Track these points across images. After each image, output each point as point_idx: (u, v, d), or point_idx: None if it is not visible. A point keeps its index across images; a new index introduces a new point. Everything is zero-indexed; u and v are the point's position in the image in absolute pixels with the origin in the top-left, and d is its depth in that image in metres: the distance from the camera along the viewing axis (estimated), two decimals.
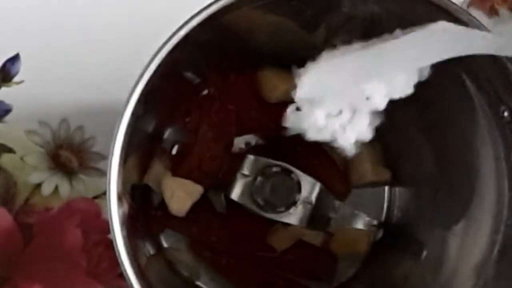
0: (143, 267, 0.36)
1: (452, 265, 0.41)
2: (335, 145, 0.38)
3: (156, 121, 0.44)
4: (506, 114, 0.37)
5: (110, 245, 0.35)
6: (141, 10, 0.50)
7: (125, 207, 0.36)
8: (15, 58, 0.49)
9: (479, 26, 0.36)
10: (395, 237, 0.46)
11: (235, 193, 0.44)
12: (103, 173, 0.49)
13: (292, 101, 0.46)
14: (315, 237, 0.47)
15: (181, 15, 0.35)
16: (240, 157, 0.45)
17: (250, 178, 0.44)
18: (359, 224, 0.47)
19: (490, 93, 0.38)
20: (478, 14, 0.51)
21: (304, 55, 0.45)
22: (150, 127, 0.44)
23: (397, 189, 0.47)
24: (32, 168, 0.48)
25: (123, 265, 0.34)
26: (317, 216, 0.45)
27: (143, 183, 0.44)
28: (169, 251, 0.46)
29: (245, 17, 0.38)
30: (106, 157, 0.48)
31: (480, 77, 0.38)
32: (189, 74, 0.44)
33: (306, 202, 0.44)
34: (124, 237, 0.34)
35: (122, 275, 0.34)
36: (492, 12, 0.51)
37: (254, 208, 0.44)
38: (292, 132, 0.42)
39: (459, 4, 0.36)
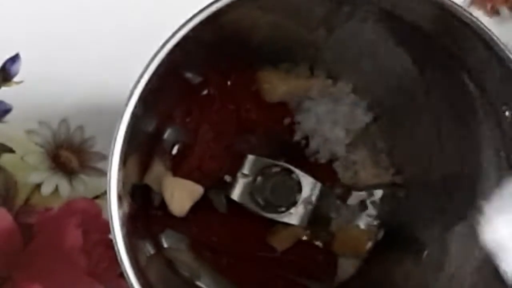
0: (143, 267, 0.36)
1: (452, 266, 0.41)
2: None
3: (156, 121, 0.44)
4: (506, 114, 0.37)
5: (110, 245, 0.35)
6: (141, 10, 0.50)
7: (125, 207, 0.36)
8: (15, 58, 0.49)
9: (480, 26, 0.36)
10: (395, 237, 0.46)
11: (236, 193, 0.44)
12: (103, 173, 0.49)
13: (291, 101, 0.47)
14: (315, 237, 0.47)
15: (181, 15, 0.34)
16: (240, 157, 0.45)
17: (250, 178, 0.44)
18: (360, 224, 0.47)
19: (491, 93, 0.38)
20: (479, 14, 0.51)
21: (304, 55, 0.46)
22: (150, 127, 0.44)
23: (398, 189, 0.47)
24: (32, 168, 0.48)
25: (123, 265, 0.34)
26: (317, 216, 0.45)
27: (143, 183, 0.44)
28: (169, 251, 0.46)
29: (245, 17, 0.38)
30: (106, 157, 0.48)
31: (481, 77, 0.38)
32: (189, 74, 0.44)
33: (307, 202, 0.44)
34: (124, 237, 0.34)
35: (122, 275, 0.34)
36: (493, 11, 0.51)
37: (254, 208, 0.44)
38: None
39: (460, 4, 0.36)
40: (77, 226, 0.48)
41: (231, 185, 0.45)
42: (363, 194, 0.47)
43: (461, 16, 0.36)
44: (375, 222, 0.47)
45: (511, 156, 0.38)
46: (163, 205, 0.44)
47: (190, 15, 0.35)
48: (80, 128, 0.49)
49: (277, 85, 0.45)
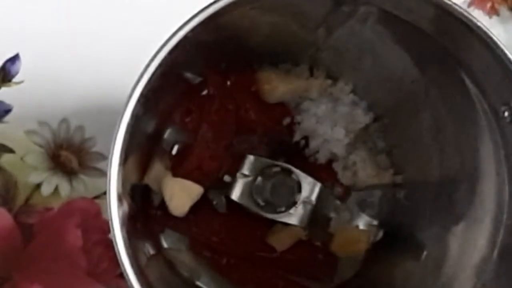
0: (143, 267, 0.36)
1: (452, 266, 0.41)
2: None
3: (156, 121, 0.44)
4: (506, 114, 0.37)
5: (110, 245, 0.35)
6: (141, 10, 0.50)
7: (125, 207, 0.36)
8: (15, 58, 0.49)
9: (479, 26, 0.36)
10: (395, 238, 0.46)
11: (235, 193, 0.44)
12: (103, 173, 0.49)
13: (291, 101, 0.47)
14: (315, 237, 0.47)
15: (181, 15, 0.34)
16: (240, 157, 0.45)
17: (250, 178, 0.44)
18: (360, 224, 0.47)
19: (490, 93, 0.38)
20: (478, 14, 0.51)
21: (304, 55, 0.46)
22: (150, 127, 0.44)
23: (398, 190, 0.47)
24: (32, 168, 0.48)
25: (123, 265, 0.34)
26: (317, 216, 0.45)
27: (143, 183, 0.44)
28: (169, 251, 0.46)
29: (244, 18, 0.38)
30: (106, 157, 0.48)
31: (481, 77, 0.38)
32: (189, 74, 0.44)
33: (306, 202, 0.44)
34: (124, 237, 0.34)
35: (122, 275, 0.34)
36: (493, 11, 0.51)
37: (254, 208, 0.44)
38: None
39: (460, 4, 0.36)
40: (77, 226, 0.48)
41: (230, 185, 0.45)
42: (362, 194, 0.47)
43: (461, 16, 0.36)
44: (375, 222, 0.47)
45: (510, 157, 0.38)
46: (163, 205, 0.44)
47: (190, 15, 0.34)
48: (80, 128, 0.49)
49: (276, 86, 0.45)
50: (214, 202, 0.45)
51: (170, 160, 0.45)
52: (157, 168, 0.44)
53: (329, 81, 0.47)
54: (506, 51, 0.35)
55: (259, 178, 0.45)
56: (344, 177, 0.47)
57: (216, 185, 0.45)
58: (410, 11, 0.37)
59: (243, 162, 0.45)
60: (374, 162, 0.47)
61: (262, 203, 0.44)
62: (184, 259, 0.46)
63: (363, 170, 0.46)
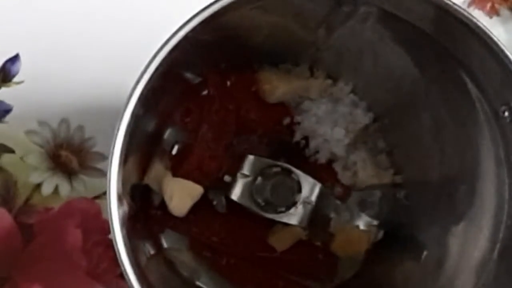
0: (143, 267, 0.36)
1: (452, 266, 0.41)
2: None
3: (156, 121, 0.44)
4: (506, 114, 0.37)
5: (110, 245, 0.35)
6: (141, 10, 0.50)
7: (125, 207, 0.36)
8: (15, 58, 0.49)
9: (479, 26, 0.36)
10: (395, 238, 0.46)
11: (235, 193, 0.44)
12: (103, 173, 0.49)
13: (291, 101, 0.47)
14: (315, 237, 0.47)
15: (181, 15, 0.34)
16: (240, 157, 0.45)
17: (250, 178, 0.44)
18: (360, 224, 0.47)
19: (490, 93, 0.38)
20: (478, 14, 0.51)
21: (304, 55, 0.46)
22: (150, 127, 0.44)
23: (398, 190, 0.47)
24: (32, 168, 0.48)
25: (123, 265, 0.34)
26: (317, 216, 0.45)
27: (143, 183, 0.44)
28: (169, 251, 0.46)
29: (244, 18, 0.38)
30: (106, 157, 0.48)
31: (481, 77, 0.38)
32: (189, 74, 0.44)
33: (306, 202, 0.44)
34: (124, 237, 0.34)
35: (122, 275, 0.34)
36: (493, 11, 0.51)
37: (254, 208, 0.44)
38: None
39: (460, 4, 0.36)
40: (77, 226, 0.48)
41: (231, 185, 0.45)
42: (362, 194, 0.47)
43: (461, 16, 0.36)
44: (375, 222, 0.47)
45: (510, 157, 0.38)
46: (163, 205, 0.44)
47: (190, 15, 0.34)
48: (80, 128, 0.49)
49: (277, 86, 0.45)
50: (214, 202, 0.45)
51: (170, 160, 0.45)
52: (157, 168, 0.44)
53: (329, 81, 0.47)
54: (506, 51, 0.35)
55: (259, 178, 0.45)
56: (344, 177, 0.47)
57: (216, 185, 0.45)
58: (410, 11, 0.37)
59: (243, 162, 0.45)
60: (374, 162, 0.47)
61: (262, 203, 0.44)
62: (184, 259, 0.46)
63: (363, 170, 0.46)
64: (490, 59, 0.36)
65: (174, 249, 0.46)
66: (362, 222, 0.47)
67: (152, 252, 0.45)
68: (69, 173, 0.49)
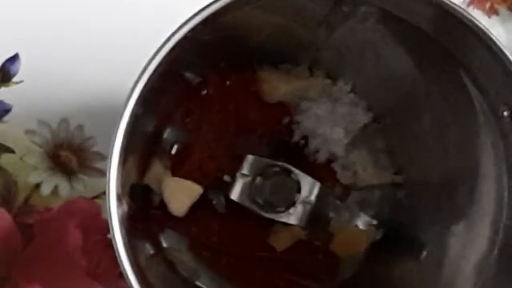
0: (142, 267, 0.36)
1: (452, 266, 0.41)
2: None
3: (156, 121, 0.44)
4: (505, 114, 0.37)
5: (110, 244, 0.35)
6: (141, 10, 0.50)
7: (125, 207, 0.36)
8: (14, 58, 0.49)
9: (479, 26, 0.36)
10: (395, 237, 0.46)
11: (235, 193, 0.44)
12: (103, 173, 0.49)
13: (291, 101, 0.47)
14: (315, 237, 0.47)
15: (181, 15, 0.34)
16: (239, 157, 0.45)
17: (249, 178, 0.44)
18: (359, 224, 0.47)
19: (490, 93, 0.38)
20: (477, 14, 0.51)
21: (304, 55, 0.46)
22: (150, 127, 0.44)
23: (398, 189, 0.47)
24: (31, 168, 0.48)
25: (122, 265, 0.34)
26: (317, 216, 0.45)
27: (143, 183, 0.44)
28: (168, 251, 0.46)
29: (244, 17, 0.38)
30: (106, 157, 0.48)
31: (480, 77, 0.38)
32: (188, 74, 0.44)
33: (306, 202, 0.44)
34: (123, 237, 0.34)
35: (122, 275, 0.34)
36: (492, 11, 0.51)
37: (254, 208, 0.44)
38: None
39: (459, 4, 0.36)
40: (77, 226, 0.48)
41: (230, 185, 0.45)
42: (362, 194, 0.47)
43: (460, 16, 0.36)
44: (374, 222, 0.47)
45: (509, 156, 0.38)
46: (162, 205, 0.44)
47: (190, 15, 0.35)
48: (80, 128, 0.49)
49: (276, 86, 0.45)
50: (214, 202, 0.45)
51: (169, 160, 0.45)
52: (157, 168, 0.44)
53: (329, 81, 0.46)
54: (505, 51, 0.35)
55: (259, 178, 0.45)
56: (344, 177, 0.47)
57: (215, 185, 0.45)
58: (410, 11, 0.37)
59: (243, 162, 0.45)
60: (374, 162, 0.47)
61: (261, 203, 0.44)
62: (184, 259, 0.46)
63: (363, 170, 0.46)
64: (490, 59, 0.36)
65: (174, 249, 0.46)
66: (361, 222, 0.47)
67: (151, 252, 0.45)
68: (69, 173, 0.49)
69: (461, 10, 0.36)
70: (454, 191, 0.42)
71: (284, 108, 0.46)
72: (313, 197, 0.45)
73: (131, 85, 0.34)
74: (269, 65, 0.46)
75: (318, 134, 0.46)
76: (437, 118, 0.42)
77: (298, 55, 0.45)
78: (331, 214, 0.46)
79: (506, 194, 0.38)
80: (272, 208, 0.45)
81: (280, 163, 0.45)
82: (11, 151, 0.48)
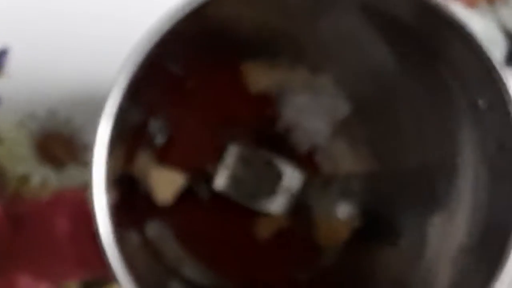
0: (127, 257, 0.37)
1: (431, 255, 0.41)
2: None
3: (141, 112, 0.44)
4: (483, 106, 0.37)
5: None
6: (129, 2, 0.50)
7: (110, 198, 0.36)
8: (3, 51, 0.49)
9: (457, 19, 0.36)
10: (375, 226, 0.47)
11: (218, 184, 0.45)
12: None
13: (274, 92, 0.47)
14: (297, 226, 0.47)
15: (166, 7, 0.35)
16: (223, 148, 0.45)
17: (233, 169, 0.45)
18: (341, 213, 0.47)
19: (468, 85, 0.38)
20: (457, 6, 0.51)
21: (286, 47, 0.46)
22: (134, 118, 0.44)
23: (378, 179, 0.47)
24: (20, 159, 0.49)
25: (107, 256, 0.34)
26: (299, 205, 0.46)
27: (128, 174, 0.45)
28: (154, 241, 0.46)
29: (228, 10, 0.38)
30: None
31: (459, 70, 0.38)
32: (173, 66, 0.44)
33: (288, 191, 0.45)
34: (108, 228, 0.34)
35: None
36: (471, 4, 0.52)
37: (237, 197, 0.45)
38: None
39: None
40: (66, 216, 0.48)
41: (214, 176, 0.45)
42: (343, 183, 0.47)
43: (439, 9, 0.36)
44: (356, 211, 0.47)
45: (486, 145, 0.38)
46: (147, 195, 0.44)
47: (173, 7, 0.35)
48: (69, 119, 0.49)
49: (260, 77, 0.45)
50: (198, 193, 0.46)
51: (154, 150, 0.45)
52: (142, 158, 0.45)
53: (311, 73, 0.47)
54: (483, 44, 0.36)
55: (242, 168, 0.45)
56: (325, 167, 0.47)
57: (199, 175, 0.45)
58: (390, 2, 0.37)
59: (226, 152, 0.45)
60: (355, 152, 0.47)
61: (244, 193, 0.45)
62: (169, 248, 0.46)
63: (344, 160, 0.47)
64: (468, 51, 0.36)
65: (159, 239, 0.47)
66: (343, 211, 0.47)
67: (136, 242, 0.45)
68: (58, 164, 0.49)
69: (441, 3, 0.36)
70: (432, 182, 0.42)
71: (267, 100, 0.47)
72: (295, 187, 0.45)
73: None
74: (252, 58, 0.46)
75: (300, 125, 0.46)
76: (418, 110, 0.43)
77: (281, 47, 0.45)
78: (313, 204, 0.47)
79: (484, 185, 0.39)
80: (255, 197, 0.45)
81: (262, 154, 0.45)
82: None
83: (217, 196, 0.45)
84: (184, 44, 0.39)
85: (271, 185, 0.45)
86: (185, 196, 0.45)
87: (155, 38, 0.35)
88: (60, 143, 0.49)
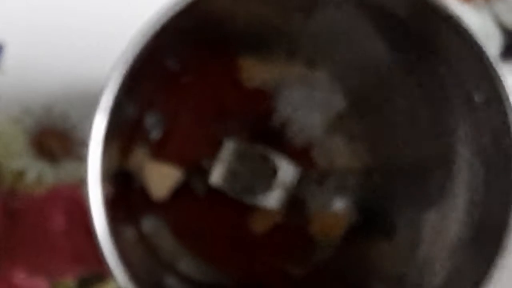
0: (124, 253, 0.37)
1: (426, 250, 0.41)
2: None
3: (136, 107, 0.44)
4: (478, 100, 0.38)
5: None
6: None
7: (105, 193, 0.36)
8: None
9: (452, 13, 0.36)
10: (370, 221, 0.47)
11: (214, 178, 0.45)
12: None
13: (270, 87, 0.47)
14: (293, 221, 0.47)
15: (161, 1, 0.35)
16: (219, 143, 0.45)
17: (229, 163, 0.45)
18: (336, 208, 0.48)
19: (463, 80, 0.38)
20: (452, 1, 0.51)
21: (282, 42, 0.46)
22: (130, 112, 0.44)
23: (374, 174, 0.47)
24: (16, 155, 0.49)
25: (102, 251, 0.34)
26: (294, 200, 0.46)
27: (124, 169, 0.45)
28: (150, 237, 0.47)
29: (224, 5, 0.38)
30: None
31: (454, 65, 0.38)
32: (168, 60, 0.44)
33: (284, 186, 0.45)
34: (104, 223, 0.34)
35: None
36: None
37: (233, 192, 0.45)
38: None
39: None
40: (62, 211, 0.48)
41: (210, 170, 0.45)
42: (339, 178, 0.47)
43: (435, 3, 0.36)
44: (351, 206, 0.47)
45: (482, 145, 0.39)
46: (143, 190, 0.44)
47: (168, 2, 0.35)
48: (64, 115, 0.49)
49: (255, 72, 0.45)
50: (194, 187, 0.46)
51: (150, 145, 0.45)
52: (137, 153, 0.45)
53: (307, 68, 0.47)
54: (478, 38, 0.36)
55: (238, 163, 0.45)
56: (321, 162, 0.47)
57: (195, 170, 0.45)
58: None
59: (222, 147, 0.45)
60: (350, 147, 0.47)
61: (240, 188, 0.45)
62: (165, 243, 0.46)
63: (339, 155, 0.47)
64: (463, 46, 0.36)
65: (155, 234, 0.47)
66: (338, 205, 0.47)
67: (132, 237, 0.45)
68: (53, 160, 0.49)
69: None
70: (428, 177, 0.42)
71: (262, 95, 0.47)
72: (290, 182, 0.45)
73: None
74: (248, 52, 0.46)
75: (295, 120, 0.47)
76: (413, 104, 0.43)
77: (276, 42, 0.46)
78: (309, 198, 0.47)
79: (478, 180, 0.39)
80: (251, 192, 0.45)
81: (258, 148, 0.45)
82: None
83: (213, 191, 0.45)
84: (179, 38, 0.39)
85: (267, 180, 0.45)
86: (181, 191, 0.45)
87: (150, 32, 0.35)
88: (55, 139, 0.49)
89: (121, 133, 0.43)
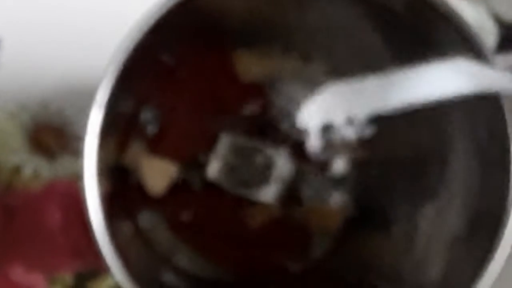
0: (120, 248, 0.37)
1: (423, 243, 0.41)
2: None
3: (132, 103, 0.44)
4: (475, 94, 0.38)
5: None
6: None
7: (102, 188, 0.36)
8: None
9: (449, 7, 0.36)
10: (368, 215, 0.47)
11: (211, 172, 0.45)
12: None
13: (265, 81, 0.47)
14: (289, 215, 0.47)
15: None
16: (215, 137, 0.45)
17: (225, 157, 0.45)
18: (333, 202, 0.48)
19: None
20: None
21: (278, 36, 0.46)
22: (126, 107, 0.44)
23: (371, 167, 0.47)
24: (12, 151, 0.49)
25: (99, 247, 0.34)
26: (291, 194, 0.46)
27: (120, 164, 0.45)
28: (147, 231, 0.47)
29: (219, 0, 0.38)
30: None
31: (449, 55, 0.38)
32: (164, 55, 0.44)
33: (280, 180, 0.45)
34: (100, 218, 0.34)
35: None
36: None
37: (229, 186, 0.45)
38: None
39: None
40: (58, 207, 0.48)
41: (206, 165, 0.45)
42: (336, 172, 0.47)
43: None
44: (348, 200, 0.48)
45: (478, 134, 0.39)
46: (140, 185, 0.44)
47: None
48: (61, 110, 0.49)
49: (251, 66, 0.45)
50: (190, 182, 0.46)
51: (146, 140, 0.45)
52: (134, 148, 0.45)
53: (302, 62, 0.47)
54: (475, 32, 0.36)
55: (234, 157, 0.45)
56: (317, 155, 0.47)
57: (192, 164, 0.45)
58: None
59: (218, 141, 0.45)
60: (347, 141, 0.48)
61: (237, 182, 0.45)
62: (161, 238, 0.47)
63: (336, 149, 0.47)
64: (459, 39, 0.36)
65: (152, 229, 0.47)
66: (335, 200, 0.48)
67: (129, 232, 0.45)
68: (50, 156, 0.49)
69: None
70: (424, 171, 0.42)
71: (258, 89, 0.47)
72: (287, 176, 0.45)
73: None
74: (243, 47, 0.46)
75: (291, 114, 0.46)
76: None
77: (272, 36, 0.46)
78: (305, 192, 0.47)
79: (474, 174, 0.39)
80: (248, 186, 0.45)
81: (254, 142, 0.45)
82: None
83: (209, 186, 0.46)
84: (175, 33, 0.39)
85: (263, 174, 0.45)
86: (177, 185, 0.45)
87: (145, 27, 0.35)
88: (52, 134, 0.49)
89: (117, 128, 0.43)
